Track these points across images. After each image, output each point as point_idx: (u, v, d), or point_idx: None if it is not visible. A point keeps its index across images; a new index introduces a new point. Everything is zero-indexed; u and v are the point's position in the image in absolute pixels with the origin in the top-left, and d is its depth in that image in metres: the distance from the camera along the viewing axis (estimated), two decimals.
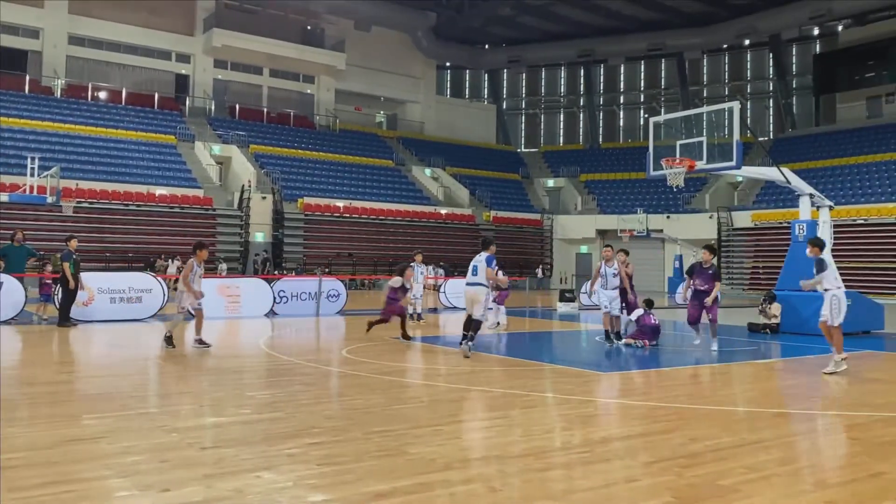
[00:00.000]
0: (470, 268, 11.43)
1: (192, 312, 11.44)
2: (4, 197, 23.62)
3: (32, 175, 21.81)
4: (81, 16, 40.17)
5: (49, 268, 16.27)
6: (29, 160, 22.09)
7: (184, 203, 33.41)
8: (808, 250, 10.28)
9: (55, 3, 39.47)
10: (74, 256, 14.70)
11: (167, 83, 43.88)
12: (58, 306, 14.94)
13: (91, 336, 13.35)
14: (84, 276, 15.33)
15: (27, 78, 38.64)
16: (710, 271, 12.22)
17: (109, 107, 39.84)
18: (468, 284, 11.32)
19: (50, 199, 22.20)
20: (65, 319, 14.60)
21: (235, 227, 34.54)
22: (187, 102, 43.44)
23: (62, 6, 39.72)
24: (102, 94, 41.04)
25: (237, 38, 43.37)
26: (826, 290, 9.79)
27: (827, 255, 15.87)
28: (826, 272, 9.83)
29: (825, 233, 16.16)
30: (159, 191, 33.14)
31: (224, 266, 30.74)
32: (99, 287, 16.02)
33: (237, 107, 44.95)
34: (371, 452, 5.28)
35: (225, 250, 33.44)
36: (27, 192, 21.81)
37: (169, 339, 11.05)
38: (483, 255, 11.39)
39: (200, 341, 11.22)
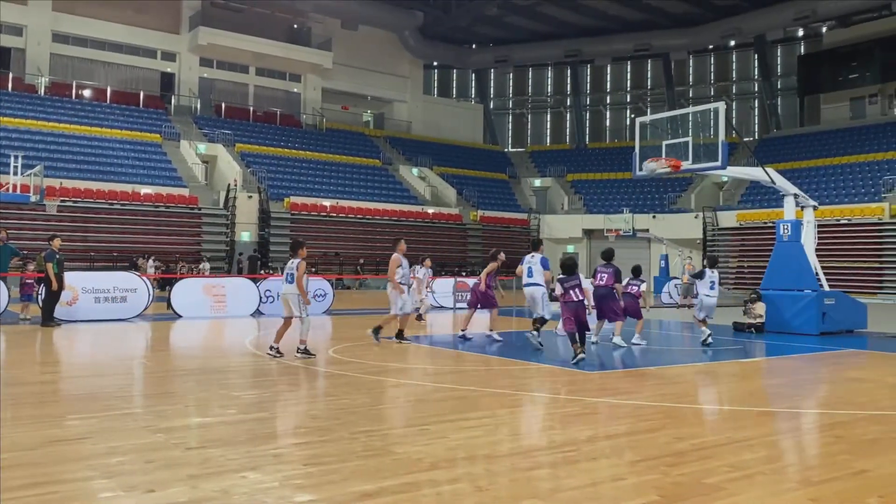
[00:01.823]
0: (525, 269, 12.02)
1: (294, 317, 10.30)
2: None
3: (16, 173, 21.61)
4: (65, 13, 39.85)
5: (31, 267, 16.14)
6: (12, 158, 21.87)
7: (169, 202, 33.23)
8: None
9: (39, 0, 39.12)
10: (57, 256, 14.59)
11: (152, 81, 43.61)
12: (41, 306, 14.82)
13: (75, 336, 13.24)
14: (68, 275, 15.22)
15: (10, 76, 38.27)
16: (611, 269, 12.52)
17: (94, 105, 39.54)
18: (526, 285, 12.01)
19: (33, 198, 22.03)
20: (48, 319, 14.49)
21: (221, 226, 34.39)
22: (173, 101, 43.20)
23: (46, 4, 39.37)
24: (87, 93, 40.71)
25: (223, 36, 43.15)
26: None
27: (812, 255, 16.10)
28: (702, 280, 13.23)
29: (809, 233, 16.29)
30: (144, 190, 32.93)
31: (207, 265, 30.56)
32: (83, 287, 15.91)
33: (223, 105, 44.72)
34: (357, 452, 5.28)
35: (211, 250, 33.28)
36: (10, 190, 21.62)
37: (305, 351, 10.19)
38: (537, 257, 11.99)
39: (278, 350, 10.26)
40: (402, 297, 12.20)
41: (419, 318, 17.07)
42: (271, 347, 10.27)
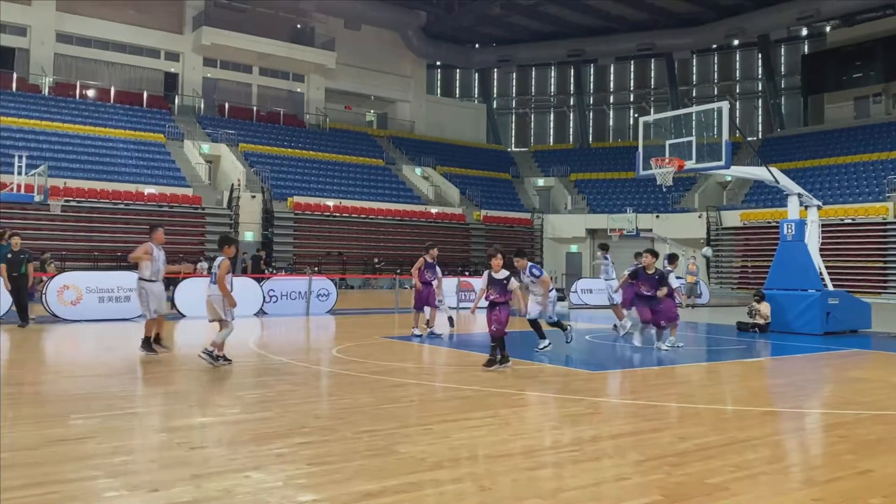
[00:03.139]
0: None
1: (221, 320, 9.46)
2: None
3: (20, 173, 21.69)
4: (69, 13, 39.91)
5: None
6: (16, 158, 21.96)
7: (173, 202, 33.26)
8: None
9: (42, 0, 39.19)
10: (9, 256, 14.24)
11: (156, 81, 43.66)
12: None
13: (79, 335, 13.26)
14: (73, 274, 15.22)
15: (14, 76, 38.34)
16: (657, 277, 11.73)
17: (98, 105, 39.60)
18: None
19: (38, 198, 22.11)
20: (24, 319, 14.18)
21: (225, 226, 34.38)
22: (176, 101, 43.23)
23: (50, 4, 39.43)
24: (91, 93, 40.77)
25: (227, 36, 43.19)
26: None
27: (816, 255, 16.07)
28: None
29: (813, 232, 16.26)
30: (148, 189, 32.98)
31: (205, 265, 30.51)
32: (87, 286, 15.96)
33: (227, 105, 44.75)
34: (360, 452, 5.28)
35: (214, 250, 33.26)
36: (14, 190, 21.69)
37: (209, 354, 9.25)
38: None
39: (223, 356, 9.44)
40: (155, 297, 10.32)
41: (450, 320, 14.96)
42: (216, 357, 9.39)
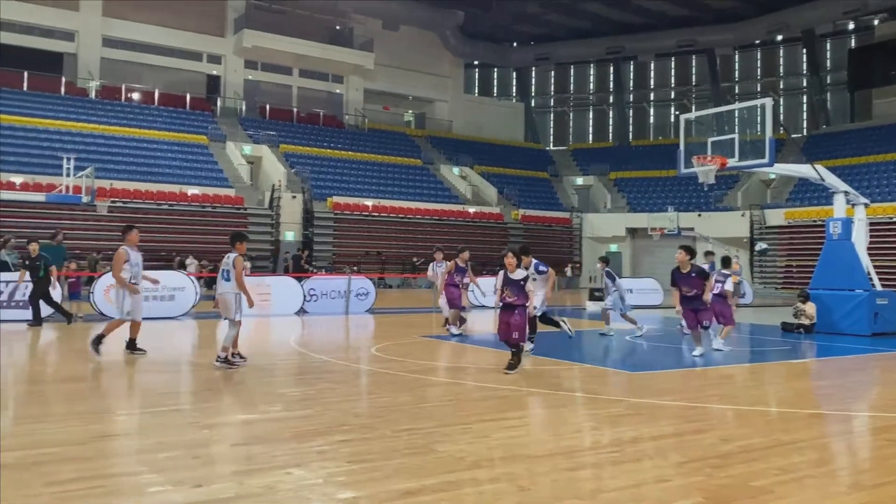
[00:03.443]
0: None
1: (228, 319, 9.40)
2: (41, 197, 24.14)
3: (68, 175, 22.24)
4: (115, 18, 40.79)
5: (73, 265, 16.57)
6: (65, 160, 22.51)
7: (215, 202, 33.78)
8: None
9: (89, 4, 40.13)
10: (27, 262, 14.48)
11: (199, 84, 44.37)
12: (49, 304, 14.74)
13: (123, 334, 13.52)
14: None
15: (63, 80, 39.32)
16: (694, 273, 10.90)
17: (142, 107, 40.42)
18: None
19: (85, 199, 22.61)
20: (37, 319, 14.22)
21: (266, 226, 34.85)
22: (218, 103, 43.90)
23: (96, 9, 40.36)
24: (136, 95, 41.62)
25: (267, 38, 43.70)
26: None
27: (863, 254, 15.69)
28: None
29: (861, 230, 15.89)
30: (191, 190, 33.53)
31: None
32: None
33: (267, 107, 45.30)
34: (400, 450, 5.30)
35: (256, 249, 33.69)
36: (63, 191, 22.24)
37: (225, 360, 9.07)
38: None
39: (238, 354, 9.59)
40: (130, 299, 10.08)
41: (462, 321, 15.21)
42: (233, 355, 9.40)
